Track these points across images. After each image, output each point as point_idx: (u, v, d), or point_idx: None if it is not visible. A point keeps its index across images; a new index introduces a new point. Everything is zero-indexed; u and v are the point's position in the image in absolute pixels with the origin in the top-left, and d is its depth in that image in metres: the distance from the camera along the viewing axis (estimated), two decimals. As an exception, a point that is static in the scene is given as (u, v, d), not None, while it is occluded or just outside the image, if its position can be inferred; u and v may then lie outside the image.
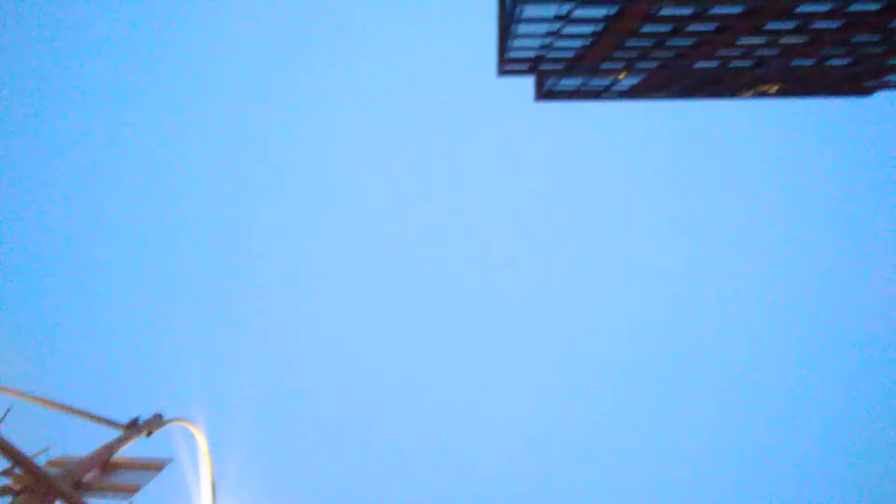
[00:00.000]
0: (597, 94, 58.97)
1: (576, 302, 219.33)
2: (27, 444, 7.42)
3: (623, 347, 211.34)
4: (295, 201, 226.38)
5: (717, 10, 37.32)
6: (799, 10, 37.04)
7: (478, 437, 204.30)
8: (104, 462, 8.42)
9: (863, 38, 42.09)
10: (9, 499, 7.15)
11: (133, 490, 8.07)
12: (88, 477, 8.17)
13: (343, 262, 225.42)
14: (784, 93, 58.40)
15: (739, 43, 42.27)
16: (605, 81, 54.17)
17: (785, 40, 41.99)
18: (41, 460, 7.95)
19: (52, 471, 7.78)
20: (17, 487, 7.26)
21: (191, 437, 11.06)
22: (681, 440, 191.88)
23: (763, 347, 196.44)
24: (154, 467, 8.59)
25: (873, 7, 37.29)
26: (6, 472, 7.36)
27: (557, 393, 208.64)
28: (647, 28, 39.95)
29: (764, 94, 58.75)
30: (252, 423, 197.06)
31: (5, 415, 7.43)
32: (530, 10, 37.67)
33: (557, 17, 38.54)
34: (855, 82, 54.48)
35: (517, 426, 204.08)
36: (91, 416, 9.38)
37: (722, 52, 44.43)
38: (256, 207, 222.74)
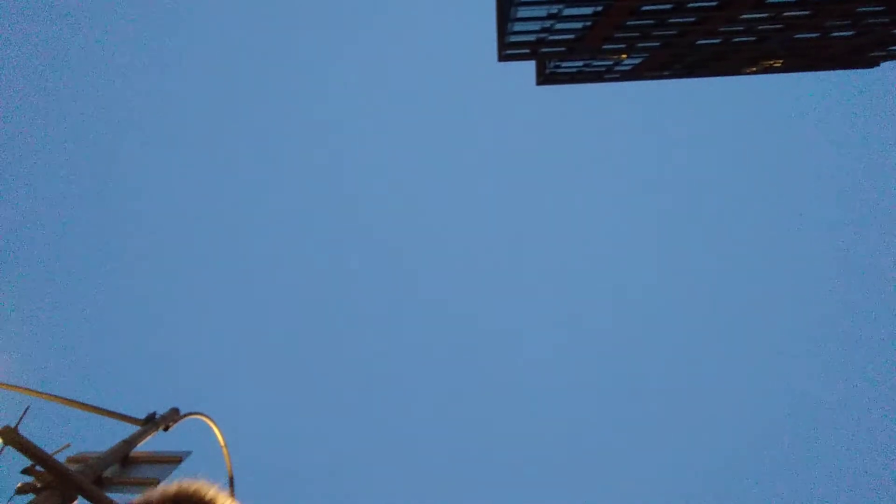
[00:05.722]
0: (599, 76, 58.49)
1: (577, 284, 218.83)
2: (47, 443, 7.51)
3: (623, 329, 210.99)
4: (293, 187, 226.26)
5: (719, -14, 36.91)
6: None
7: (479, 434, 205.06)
8: (123, 457, 8.50)
9: (867, 8, 41.52)
10: (31, 496, 7.23)
11: (153, 483, 8.15)
12: (108, 472, 8.25)
13: (345, 246, 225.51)
14: (788, 67, 57.76)
15: (742, 18, 41.79)
16: (607, 63, 53.72)
17: (788, 14, 41.49)
18: (61, 457, 8.04)
19: (73, 467, 7.86)
20: (40, 485, 7.34)
21: (208, 430, 11.14)
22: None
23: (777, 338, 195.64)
24: (173, 461, 8.68)
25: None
26: (28, 471, 7.44)
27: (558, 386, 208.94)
28: (648, 7, 39.55)
29: (768, 70, 58.12)
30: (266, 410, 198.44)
31: (24, 414, 7.50)
32: (529, -7, 37.35)
33: (557, 0, 38.23)
34: (860, 54, 53.82)
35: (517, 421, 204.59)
36: (108, 413, 9.47)
37: (724, 29, 43.95)
38: (254, 195, 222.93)
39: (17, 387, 8.87)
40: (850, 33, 46.92)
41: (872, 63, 57.95)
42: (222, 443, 11.20)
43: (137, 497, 2.12)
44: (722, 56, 51.48)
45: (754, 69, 57.93)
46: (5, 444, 7.08)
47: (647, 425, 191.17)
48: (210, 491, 2.16)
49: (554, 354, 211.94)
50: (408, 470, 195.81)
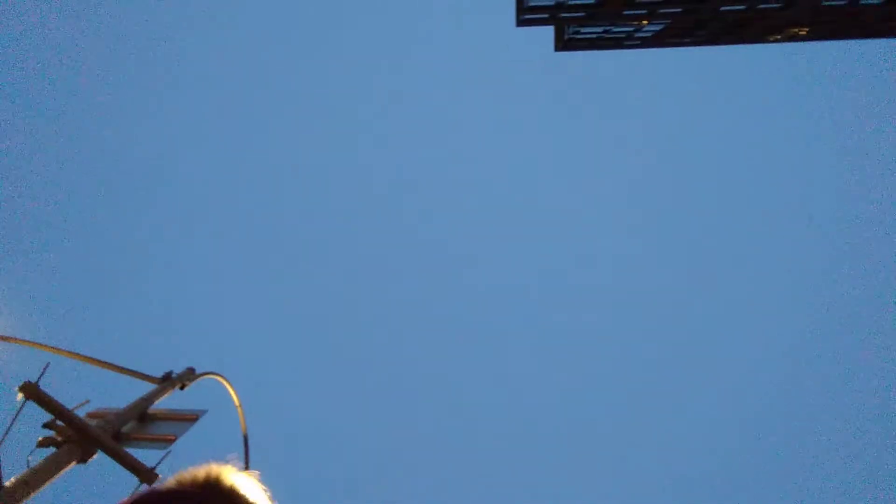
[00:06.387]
0: (619, 43, 57.35)
1: (592, 259, 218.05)
2: (67, 398, 7.68)
3: (629, 311, 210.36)
4: (310, 154, 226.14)
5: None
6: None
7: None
8: (141, 414, 8.70)
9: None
10: (52, 450, 7.41)
11: (170, 440, 8.35)
12: (127, 428, 8.46)
13: (361, 214, 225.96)
14: (814, 36, 56.25)
15: (768, -16, 40.66)
16: (628, 29, 52.61)
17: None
18: (81, 413, 8.22)
19: (93, 422, 8.04)
20: (60, 439, 7.52)
21: (223, 390, 11.35)
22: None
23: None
24: (189, 418, 8.87)
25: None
26: (49, 425, 7.62)
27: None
28: (672, -29, 38.59)
29: (793, 38, 56.65)
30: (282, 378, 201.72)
31: (44, 370, 7.66)
32: (550, -44, 36.50)
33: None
34: (890, 22, 52.23)
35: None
36: (126, 371, 9.66)
37: (750, -6, 42.85)
38: (271, 161, 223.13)
39: (37, 343, 9.06)
40: (881, 0, 45.52)
41: (902, 32, 56.29)
42: (237, 402, 11.41)
43: (170, 479, 2.19)
44: (746, 23, 50.19)
45: (779, 37, 56.49)
46: (27, 398, 7.27)
47: (638, 420, 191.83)
48: (236, 478, 2.22)
49: (554, 342, 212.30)
50: (417, 454, 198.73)
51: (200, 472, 2.16)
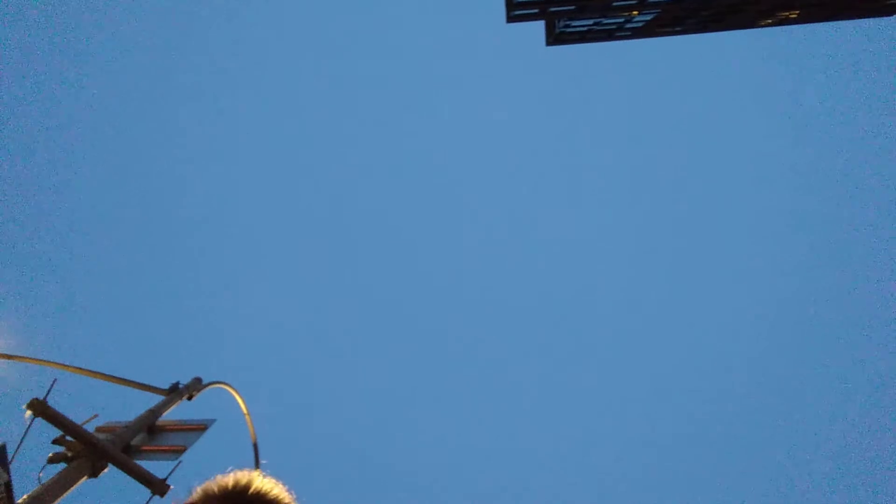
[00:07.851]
0: (609, 35, 57.21)
1: (587, 252, 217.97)
2: (75, 414, 7.70)
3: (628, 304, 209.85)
4: (305, 152, 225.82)
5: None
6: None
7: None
8: (150, 426, 8.71)
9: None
10: (63, 465, 7.43)
11: (180, 450, 8.36)
12: (136, 440, 8.47)
13: (348, 208, 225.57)
14: (805, 18, 56.11)
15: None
16: (618, 20, 52.51)
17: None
18: (90, 427, 8.23)
19: (102, 437, 8.05)
20: (70, 454, 7.53)
21: (231, 399, 11.36)
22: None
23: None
24: (198, 428, 8.87)
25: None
26: (58, 441, 7.62)
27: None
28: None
29: (784, 21, 56.52)
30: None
31: (52, 386, 7.67)
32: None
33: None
34: (877, 2, 52.13)
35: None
36: (133, 384, 9.67)
37: (738, -20, 42.75)
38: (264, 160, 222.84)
39: (43, 360, 9.07)
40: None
41: (890, 11, 56.07)
42: (245, 410, 11.43)
43: (197, 489, 2.19)
44: (737, 9, 50.07)
45: (770, 21, 56.34)
46: (35, 416, 7.28)
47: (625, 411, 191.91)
48: (264, 484, 2.21)
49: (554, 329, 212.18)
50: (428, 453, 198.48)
51: (228, 480, 2.16)
